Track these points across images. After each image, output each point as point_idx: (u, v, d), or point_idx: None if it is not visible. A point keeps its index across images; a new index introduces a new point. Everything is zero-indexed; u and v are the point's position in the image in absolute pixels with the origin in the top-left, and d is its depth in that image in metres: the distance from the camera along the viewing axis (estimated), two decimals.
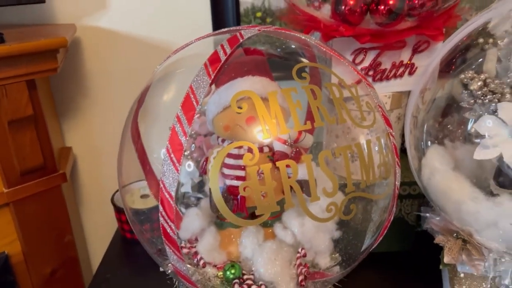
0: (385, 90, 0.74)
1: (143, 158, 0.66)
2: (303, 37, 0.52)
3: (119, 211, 0.90)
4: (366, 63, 0.72)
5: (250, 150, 0.45)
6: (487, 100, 0.56)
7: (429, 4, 0.65)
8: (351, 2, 0.65)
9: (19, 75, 0.74)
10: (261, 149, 0.50)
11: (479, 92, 0.56)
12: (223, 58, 0.47)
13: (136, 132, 0.64)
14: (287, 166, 0.42)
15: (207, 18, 0.93)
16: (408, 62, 0.72)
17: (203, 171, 0.62)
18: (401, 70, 0.73)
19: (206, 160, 0.64)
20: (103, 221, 1.07)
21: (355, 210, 0.45)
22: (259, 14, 0.93)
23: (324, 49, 0.52)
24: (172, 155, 0.44)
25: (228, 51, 0.47)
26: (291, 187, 0.42)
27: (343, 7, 0.66)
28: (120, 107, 1.02)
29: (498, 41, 0.54)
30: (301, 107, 0.44)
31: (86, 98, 1.01)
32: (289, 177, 0.43)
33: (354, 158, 0.44)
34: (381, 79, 0.73)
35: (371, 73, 0.73)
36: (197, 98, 0.45)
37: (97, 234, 1.12)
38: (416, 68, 0.73)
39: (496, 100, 0.56)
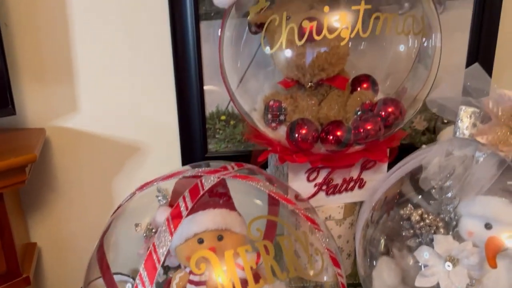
0: (337, 201, 0.80)
1: (109, 280, 0.69)
2: (258, 186, 0.57)
3: None
4: (319, 180, 0.78)
5: None
6: (424, 231, 0.63)
7: (373, 133, 0.72)
8: (303, 132, 0.72)
9: None
10: None
11: (417, 225, 0.62)
12: (184, 213, 0.52)
13: (102, 256, 0.67)
14: None
15: (174, 122, 0.99)
16: (358, 177, 0.79)
17: None
18: (351, 184, 0.80)
19: (169, 283, 0.67)
20: None
21: None
22: (223, 118, 0.99)
23: (277, 197, 0.57)
24: None
25: (189, 205, 0.52)
26: None
27: (296, 135, 0.72)
28: (88, 203, 1.04)
29: (431, 178, 0.61)
30: (255, 265, 0.48)
31: (53, 193, 1.03)
32: None
33: None
34: (333, 193, 0.80)
35: (324, 188, 0.79)
36: (159, 256, 0.49)
37: None
38: (365, 182, 0.80)
39: (433, 231, 0.62)
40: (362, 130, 0.72)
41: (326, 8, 0.60)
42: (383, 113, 0.74)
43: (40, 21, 0.91)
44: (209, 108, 0.98)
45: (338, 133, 0.71)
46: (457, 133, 0.56)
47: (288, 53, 0.68)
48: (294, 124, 0.73)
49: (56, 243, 1.06)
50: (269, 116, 0.78)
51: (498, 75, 1.01)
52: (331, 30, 0.60)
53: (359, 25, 0.59)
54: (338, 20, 0.60)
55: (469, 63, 0.98)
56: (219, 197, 0.61)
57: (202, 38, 0.92)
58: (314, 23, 0.59)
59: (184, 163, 1.01)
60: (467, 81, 0.56)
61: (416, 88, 0.80)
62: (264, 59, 0.81)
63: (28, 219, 1.04)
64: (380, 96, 0.82)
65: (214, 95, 0.97)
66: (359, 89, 0.80)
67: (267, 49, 0.69)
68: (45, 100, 0.95)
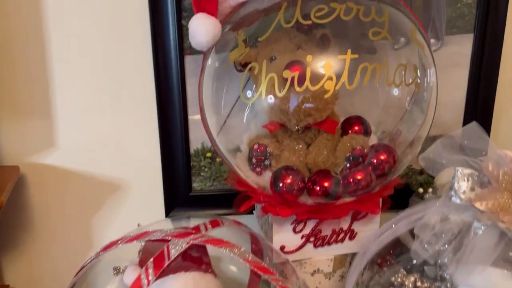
0: (326, 254, 0.75)
1: None
2: (231, 254, 0.51)
3: None
4: (306, 231, 0.72)
5: None
6: None
7: (365, 184, 0.67)
8: (288, 181, 0.67)
9: None
10: None
11: None
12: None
13: None
14: None
15: (157, 159, 0.93)
16: (348, 229, 0.73)
17: None
18: (341, 235, 0.74)
19: None
20: None
21: None
22: (209, 155, 0.94)
23: (252, 266, 0.52)
24: None
25: (152, 278, 0.46)
26: None
27: (280, 185, 0.67)
28: (65, 243, 0.98)
29: (425, 245, 0.55)
30: None
31: (28, 232, 0.97)
32: None
33: None
34: (322, 245, 0.74)
35: (312, 239, 0.73)
36: None
37: None
38: (356, 233, 0.74)
39: None
40: (352, 181, 0.66)
41: (309, 57, 0.55)
42: (375, 161, 0.69)
43: (16, 53, 0.86)
44: (194, 145, 0.93)
45: (326, 184, 0.66)
46: (453, 197, 0.50)
47: (270, 99, 0.62)
48: (278, 174, 0.67)
49: (30, 284, 1.00)
50: (254, 160, 0.73)
51: (499, 111, 0.96)
52: (314, 81, 0.55)
53: (344, 77, 0.54)
54: (322, 71, 0.55)
55: (468, 100, 0.93)
56: (192, 261, 0.55)
57: (186, 73, 0.88)
58: (296, 74, 0.54)
59: (166, 201, 0.96)
60: (464, 140, 0.51)
61: (412, 131, 0.74)
62: None
63: (1, 259, 0.98)
64: (373, 139, 0.77)
65: (199, 132, 0.91)
66: (350, 131, 0.75)
67: (248, 94, 0.64)
68: (20, 136, 0.91)
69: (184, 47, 0.85)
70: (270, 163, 0.73)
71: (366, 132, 0.76)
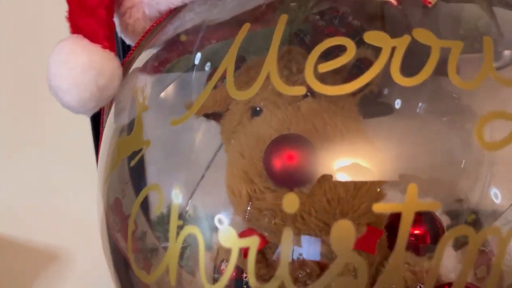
0: None
1: None
2: None
3: None
4: None
5: None
6: None
7: None
8: None
9: None
10: None
11: None
12: None
13: None
14: None
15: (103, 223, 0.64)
16: None
17: None
18: None
19: None
20: None
21: None
22: (180, 223, 0.63)
23: None
24: None
25: None
26: None
27: None
28: None
29: None
30: None
31: None
32: None
33: None
34: None
35: None
36: None
37: None
38: None
39: None
40: None
41: (295, 204, 0.18)
42: None
43: None
44: (157, 208, 0.62)
45: None
46: None
47: (220, 223, 0.31)
48: None
49: None
50: None
51: None
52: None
53: None
54: None
55: None
56: None
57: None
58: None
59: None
60: None
61: None
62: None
63: None
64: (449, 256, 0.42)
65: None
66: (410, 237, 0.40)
67: None
68: None
69: None
70: None
71: (435, 241, 0.41)
